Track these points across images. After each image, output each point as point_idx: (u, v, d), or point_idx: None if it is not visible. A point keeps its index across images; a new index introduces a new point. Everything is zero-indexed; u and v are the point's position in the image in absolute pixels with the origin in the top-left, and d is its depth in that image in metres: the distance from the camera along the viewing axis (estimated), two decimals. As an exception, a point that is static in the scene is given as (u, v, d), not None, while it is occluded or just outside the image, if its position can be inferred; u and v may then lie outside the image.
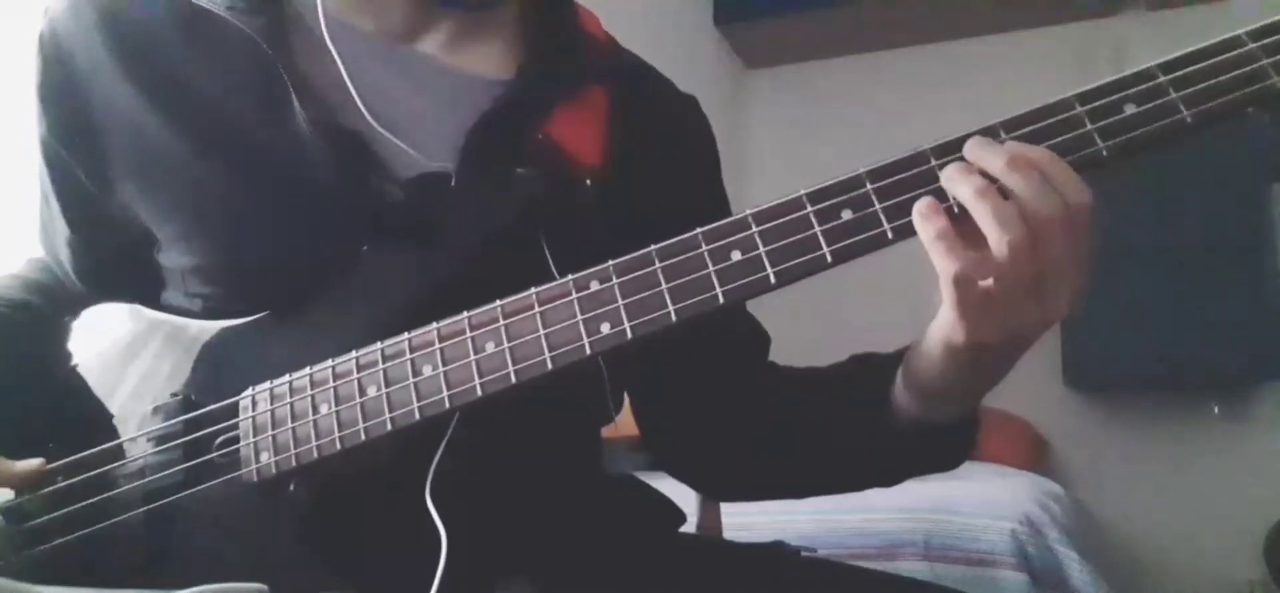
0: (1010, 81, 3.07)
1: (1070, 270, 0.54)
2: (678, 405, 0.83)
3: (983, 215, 0.53)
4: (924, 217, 0.54)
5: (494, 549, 0.66)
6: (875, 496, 2.23)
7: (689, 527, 0.88)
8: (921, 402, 0.66)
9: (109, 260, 0.76)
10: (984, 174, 0.54)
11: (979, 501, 1.99)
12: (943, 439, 0.69)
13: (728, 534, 1.49)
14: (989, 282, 0.54)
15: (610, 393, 0.77)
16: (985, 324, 0.56)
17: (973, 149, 0.55)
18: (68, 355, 0.72)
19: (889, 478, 0.77)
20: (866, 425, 0.70)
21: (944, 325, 0.58)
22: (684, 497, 0.90)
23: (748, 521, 1.64)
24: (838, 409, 0.72)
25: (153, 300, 0.72)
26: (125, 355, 0.70)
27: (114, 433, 0.67)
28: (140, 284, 0.73)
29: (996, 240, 0.53)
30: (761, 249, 0.57)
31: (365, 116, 0.69)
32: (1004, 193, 0.53)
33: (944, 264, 0.54)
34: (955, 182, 0.54)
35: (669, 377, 0.79)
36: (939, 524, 1.91)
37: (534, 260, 0.65)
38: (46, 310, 0.77)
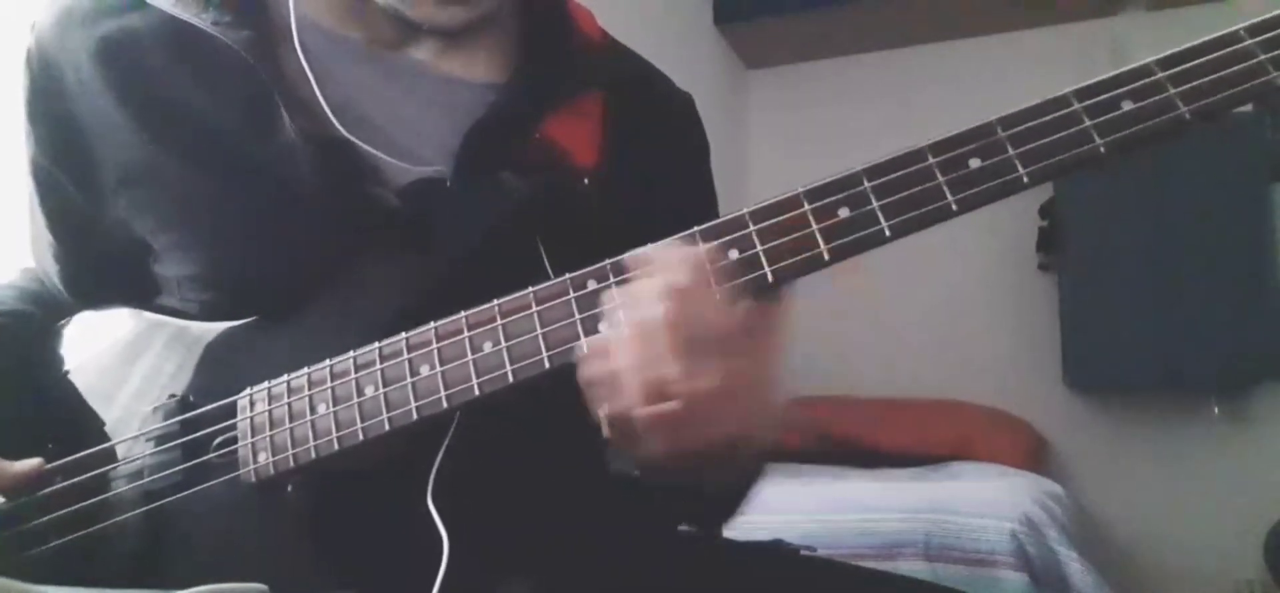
0: (1010, 81, 3.06)
1: (712, 395, 0.55)
2: None
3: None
4: (582, 360, 0.57)
5: (494, 550, 0.66)
6: (875, 496, 2.24)
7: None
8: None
9: (98, 271, 0.76)
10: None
11: (979, 501, 1.98)
12: (707, 505, 0.75)
13: (727, 534, 1.49)
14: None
15: None
16: (645, 446, 0.58)
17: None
18: (61, 360, 0.72)
19: (666, 520, 0.81)
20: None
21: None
22: (683, 496, 0.90)
23: (748, 520, 1.63)
24: None
25: (145, 307, 0.72)
26: (127, 355, 0.69)
27: (110, 437, 0.67)
28: (131, 293, 0.72)
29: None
30: (759, 247, 0.57)
31: (336, 126, 0.69)
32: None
33: (593, 405, 0.57)
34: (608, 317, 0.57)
35: None
36: (939, 524, 1.91)
37: (530, 262, 0.65)
38: (40, 317, 0.77)
